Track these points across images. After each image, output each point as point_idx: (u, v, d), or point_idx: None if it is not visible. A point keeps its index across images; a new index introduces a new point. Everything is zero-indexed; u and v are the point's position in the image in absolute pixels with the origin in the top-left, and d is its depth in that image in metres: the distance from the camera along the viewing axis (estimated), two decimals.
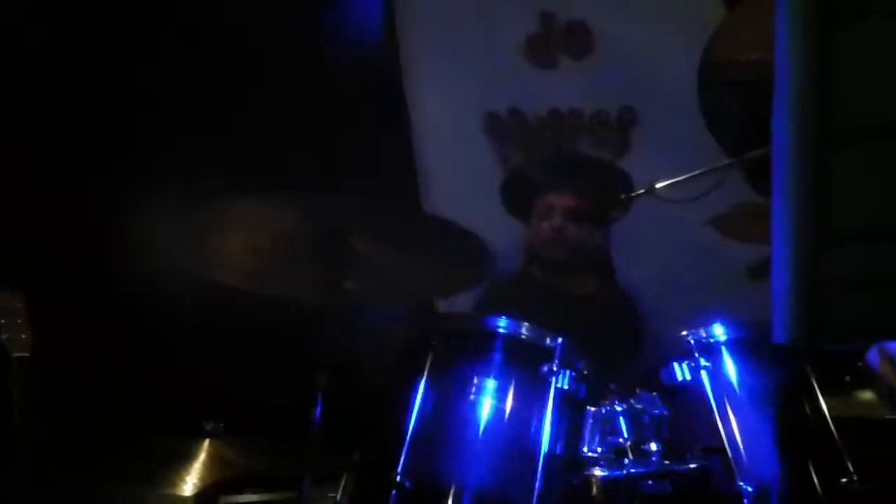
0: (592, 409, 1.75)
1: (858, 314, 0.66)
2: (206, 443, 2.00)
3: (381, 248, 1.73)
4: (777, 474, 1.59)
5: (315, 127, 2.80)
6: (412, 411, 1.65)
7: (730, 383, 1.71)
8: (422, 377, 1.70)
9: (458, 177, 3.30)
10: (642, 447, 1.69)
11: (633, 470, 1.61)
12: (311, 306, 1.72)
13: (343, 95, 2.91)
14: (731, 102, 3.08)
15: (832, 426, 1.66)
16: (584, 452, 1.69)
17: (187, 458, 1.96)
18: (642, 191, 2.48)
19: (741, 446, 1.61)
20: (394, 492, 1.56)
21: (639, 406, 1.73)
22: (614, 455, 1.69)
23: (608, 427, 1.74)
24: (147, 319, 2.58)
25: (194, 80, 2.81)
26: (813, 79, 0.53)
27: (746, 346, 1.77)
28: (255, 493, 2.04)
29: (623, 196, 2.64)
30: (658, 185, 2.42)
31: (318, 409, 1.67)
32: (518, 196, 3.00)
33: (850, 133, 0.53)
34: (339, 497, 1.72)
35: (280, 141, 2.79)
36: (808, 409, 1.69)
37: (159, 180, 2.49)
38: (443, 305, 3.06)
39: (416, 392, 1.68)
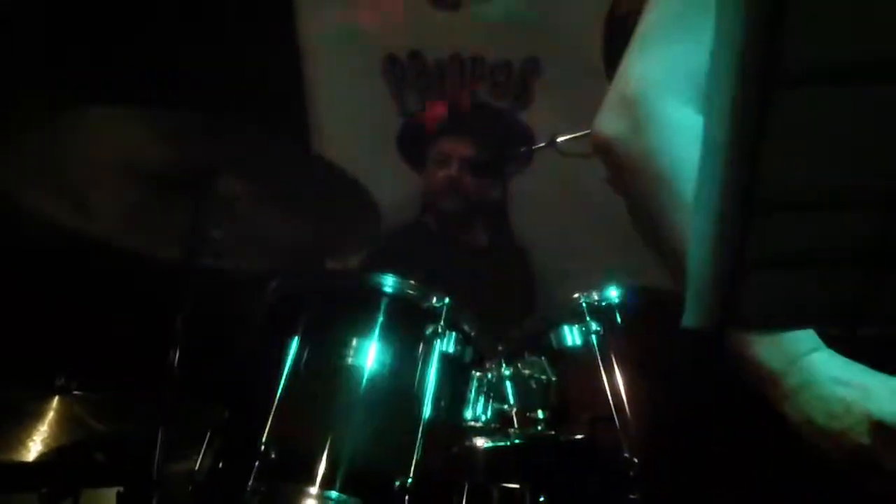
0: (478, 373, 1.65)
1: (785, 298, 0.55)
2: (56, 400, 1.80)
3: (256, 194, 1.56)
4: (665, 446, 1.53)
5: (188, 58, 2.56)
6: (282, 374, 1.51)
7: (621, 349, 1.63)
8: (294, 337, 1.55)
9: (354, 122, 3.14)
10: (528, 414, 1.60)
11: (517, 440, 1.52)
12: (172, 254, 1.54)
13: (227, 29, 2.67)
14: None
15: (721, 395, 1.62)
16: (467, 420, 1.59)
17: (33, 417, 1.76)
18: (543, 144, 2.39)
19: (630, 416, 1.54)
20: (257, 462, 1.42)
21: (526, 371, 1.63)
22: (499, 423, 1.60)
23: (494, 392, 1.64)
24: None
25: None
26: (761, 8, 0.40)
27: (640, 312, 1.70)
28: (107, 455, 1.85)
29: (523, 148, 2.55)
30: (559, 139, 2.33)
31: (176, 361, 1.52)
32: (414, 143, 2.86)
33: (800, 74, 0.41)
34: (199, 462, 1.56)
35: (148, 71, 2.53)
36: (697, 379, 1.63)
37: None
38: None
39: (287, 353, 1.54)
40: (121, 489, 1.84)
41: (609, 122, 1.20)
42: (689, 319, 0.55)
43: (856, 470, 1.01)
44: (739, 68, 0.41)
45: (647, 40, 1.19)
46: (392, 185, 2.83)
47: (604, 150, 1.22)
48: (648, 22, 1.20)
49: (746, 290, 0.51)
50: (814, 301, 0.52)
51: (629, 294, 1.71)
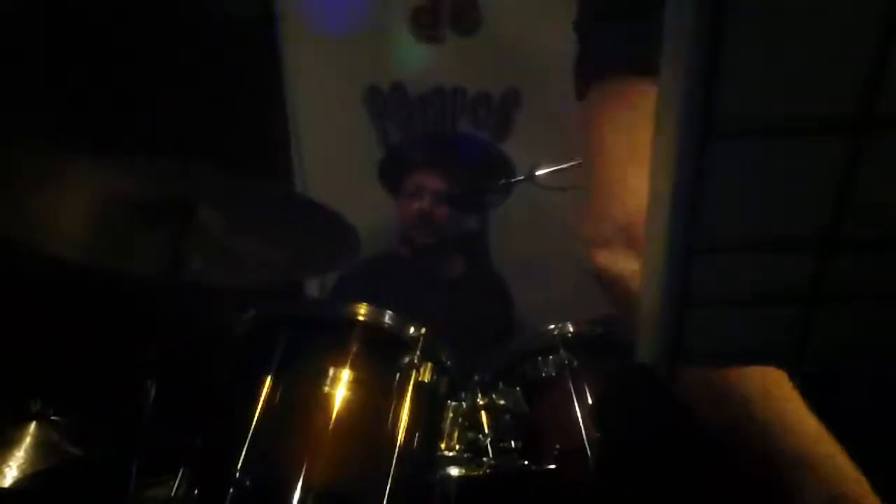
0: (453, 403, 1.67)
1: (727, 336, 0.58)
2: (32, 426, 1.80)
3: (233, 225, 1.58)
4: (633, 478, 1.55)
5: (173, 88, 2.59)
6: (257, 402, 1.53)
7: (594, 382, 1.66)
8: (271, 365, 1.57)
9: (336, 152, 3.17)
10: (502, 445, 1.62)
11: (489, 470, 1.54)
12: (150, 283, 1.56)
13: (213, 62, 2.70)
14: None
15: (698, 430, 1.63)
16: (441, 450, 1.60)
17: (8, 443, 1.76)
18: (521, 177, 2.42)
19: (601, 448, 1.56)
20: (231, 489, 1.43)
21: (501, 402, 1.66)
22: (473, 453, 1.61)
23: (468, 423, 1.66)
24: None
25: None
26: (703, 61, 0.43)
27: (613, 345, 1.73)
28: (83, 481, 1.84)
29: (501, 181, 2.58)
30: (538, 173, 2.36)
31: (153, 390, 1.52)
32: (393, 174, 2.89)
33: (738, 125, 0.44)
34: (174, 492, 1.57)
35: (129, 101, 2.55)
36: (670, 412, 1.65)
37: None
38: (311, 286, 2.94)
39: (263, 381, 1.55)
40: None
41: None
42: (640, 354, 0.58)
43: None
44: (678, 120, 0.45)
45: None
46: (373, 215, 2.86)
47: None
48: None
49: (690, 327, 0.54)
50: (754, 339, 0.55)
51: (602, 327, 1.73)
